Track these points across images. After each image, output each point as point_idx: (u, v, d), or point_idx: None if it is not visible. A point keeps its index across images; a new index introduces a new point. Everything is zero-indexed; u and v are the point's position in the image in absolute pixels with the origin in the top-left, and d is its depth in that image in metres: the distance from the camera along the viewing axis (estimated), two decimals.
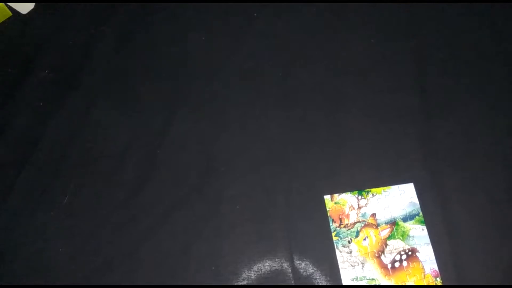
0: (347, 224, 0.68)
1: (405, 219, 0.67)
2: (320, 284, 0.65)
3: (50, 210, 0.72)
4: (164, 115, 0.78)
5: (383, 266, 0.65)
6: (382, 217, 0.68)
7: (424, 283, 0.64)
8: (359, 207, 0.69)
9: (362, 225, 0.68)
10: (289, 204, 0.70)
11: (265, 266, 0.66)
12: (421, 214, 0.67)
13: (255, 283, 0.66)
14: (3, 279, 0.68)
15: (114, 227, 0.70)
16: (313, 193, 0.70)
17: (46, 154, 0.76)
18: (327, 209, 0.69)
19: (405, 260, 0.65)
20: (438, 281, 0.63)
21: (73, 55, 0.84)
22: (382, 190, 0.69)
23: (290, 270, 0.66)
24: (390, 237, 0.67)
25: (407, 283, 0.64)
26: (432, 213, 0.67)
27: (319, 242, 0.67)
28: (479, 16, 0.80)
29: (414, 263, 0.65)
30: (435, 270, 0.64)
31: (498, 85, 0.75)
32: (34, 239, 0.70)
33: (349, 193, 0.70)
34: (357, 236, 0.67)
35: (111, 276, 0.67)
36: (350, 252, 0.66)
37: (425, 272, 0.64)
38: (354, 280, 0.65)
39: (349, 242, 0.67)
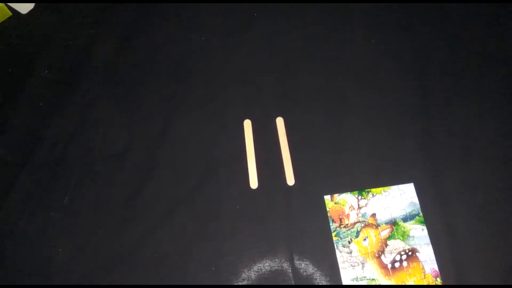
0: (347, 224, 0.68)
1: (405, 219, 0.67)
2: (320, 284, 0.65)
3: (50, 210, 0.72)
4: (164, 115, 0.78)
5: (383, 266, 0.65)
6: (382, 217, 0.68)
7: (424, 283, 0.64)
8: (359, 207, 0.69)
9: (362, 225, 0.68)
10: (289, 204, 0.70)
11: (265, 266, 0.66)
12: (421, 214, 0.67)
13: (255, 283, 0.66)
14: (3, 279, 0.68)
15: (114, 227, 0.70)
16: (313, 193, 0.70)
17: (46, 154, 0.76)
18: (327, 209, 0.69)
19: (405, 260, 0.65)
20: (438, 281, 0.63)
21: (73, 55, 0.84)
22: (382, 190, 0.69)
23: (290, 270, 0.66)
24: (390, 237, 0.67)
25: (407, 283, 0.64)
26: (432, 213, 0.67)
27: (319, 242, 0.67)
28: (480, 16, 0.80)
29: (414, 263, 0.65)
30: (435, 270, 0.64)
31: (498, 85, 0.75)
32: (34, 239, 0.70)
33: (349, 193, 0.70)
34: (357, 236, 0.67)
35: (111, 276, 0.67)
36: (350, 252, 0.66)
37: (425, 272, 0.64)
38: (354, 280, 0.65)
39: (349, 242, 0.67)
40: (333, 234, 0.67)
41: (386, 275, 0.65)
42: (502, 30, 0.79)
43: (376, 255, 0.66)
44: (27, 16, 0.89)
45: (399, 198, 0.69)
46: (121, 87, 0.81)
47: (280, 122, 0.76)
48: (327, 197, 0.70)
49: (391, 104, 0.75)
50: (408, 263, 0.65)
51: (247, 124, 0.76)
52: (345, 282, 0.65)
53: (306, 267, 0.66)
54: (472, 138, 0.71)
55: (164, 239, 0.69)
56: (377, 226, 0.67)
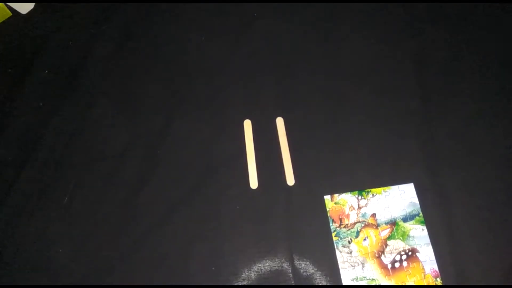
0: (347, 224, 0.68)
1: (405, 219, 0.67)
2: (320, 284, 0.65)
3: (50, 210, 0.72)
4: (164, 115, 0.78)
5: (383, 266, 0.65)
6: (382, 217, 0.68)
7: (424, 283, 0.64)
8: (359, 207, 0.69)
9: (362, 225, 0.68)
10: (289, 204, 0.70)
11: (265, 266, 0.66)
12: (421, 214, 0.67)
13: (255, 283, 0.66)
14: (3, 279, 0.68)
15: (114, 227, 0.70)
16: (313, 193, 0.70)
17: (46, 154, 0.76)
18: (327, 209, 0.69)
19: (405, 260, 0.65)
20: (438, 281, 0.63)
21: (73, 55, 0.84)
22: (382, 190, 0.69)
23: (290, 270, 0.66)
24: (390, 237, 0.67)
25: (407, 283, 0.64)
26: (432, 213, 0.67)
27: (319, 242, 0.67)
28: (479, 16, 0.80)
29: (414, 263, 0.65)
30: (435, 270, 0.64)
31: (498, 85, 0.75)
32: (34, 239, 0.70)
33: (349, 193, 0.70)
34: (357, 236, 0.67)
35: (111, 276, 0.67)
36: (350, 252, 0.66)
37: (425, 272, 0.64)
38: (354, 280, 0.65)
39: (349, 242, 0.67)
40: (333, 234, 0.67)
41: (386, 275, 0.65)
42: (502, 30, 0.79)
43: (376, 255, 0.66)
44: (27, 16, 0.89)
45: (399, 198, 0.69)
46: (121, 87, 0.81)
47: (280, 122, 0.76)
48: (327, 197, 0.70)
49: (391, 104, 0.75)
50: (408, 263, 0.65)
51: (247, 124, 0.76)
52: (345, 282, 0.65)
53: (306, 267, 0.66)
54: (472, 138, 0.71)
55: (164, 239, 0.69)
56: (377, 226, 0.67)
